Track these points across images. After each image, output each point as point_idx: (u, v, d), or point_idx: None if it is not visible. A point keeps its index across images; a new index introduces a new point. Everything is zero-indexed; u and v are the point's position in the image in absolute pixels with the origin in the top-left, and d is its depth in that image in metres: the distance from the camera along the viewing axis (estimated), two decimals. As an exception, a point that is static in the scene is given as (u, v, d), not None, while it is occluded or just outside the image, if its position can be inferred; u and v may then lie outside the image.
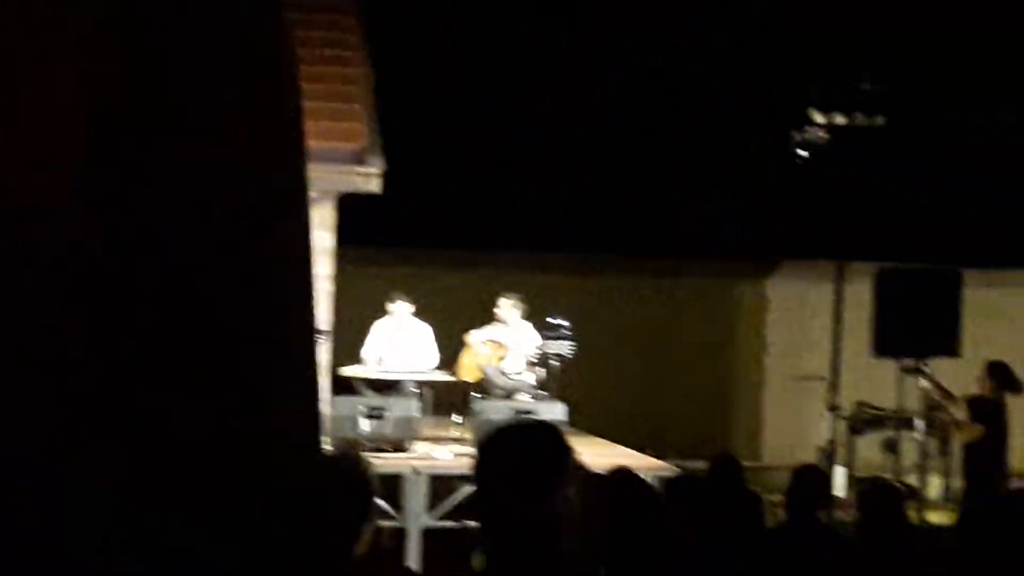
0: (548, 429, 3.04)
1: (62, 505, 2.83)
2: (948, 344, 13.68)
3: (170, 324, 2.94)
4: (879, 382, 15.31)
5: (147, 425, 2.92)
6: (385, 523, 11.41)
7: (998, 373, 12.74)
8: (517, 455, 2.91)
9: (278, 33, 3.03)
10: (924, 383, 13.47)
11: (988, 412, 12.60)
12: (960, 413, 13.12)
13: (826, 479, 7.85)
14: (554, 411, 12.82)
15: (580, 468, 3.20)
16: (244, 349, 3.02)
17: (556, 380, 14.34)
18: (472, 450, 3.01)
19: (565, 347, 14.28)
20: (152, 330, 2.92)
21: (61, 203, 2.43)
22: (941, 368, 13.76)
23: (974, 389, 13.42)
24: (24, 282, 2.76)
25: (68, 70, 2.40)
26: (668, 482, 7.23)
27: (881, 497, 6.90)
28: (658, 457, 13.23)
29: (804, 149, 15.33)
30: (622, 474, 6.60)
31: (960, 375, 14.00)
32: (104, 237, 2.81)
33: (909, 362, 13.61)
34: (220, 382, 2.94)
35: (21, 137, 2.30)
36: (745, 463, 12.24)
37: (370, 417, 12.44)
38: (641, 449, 13.90)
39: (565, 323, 14.46)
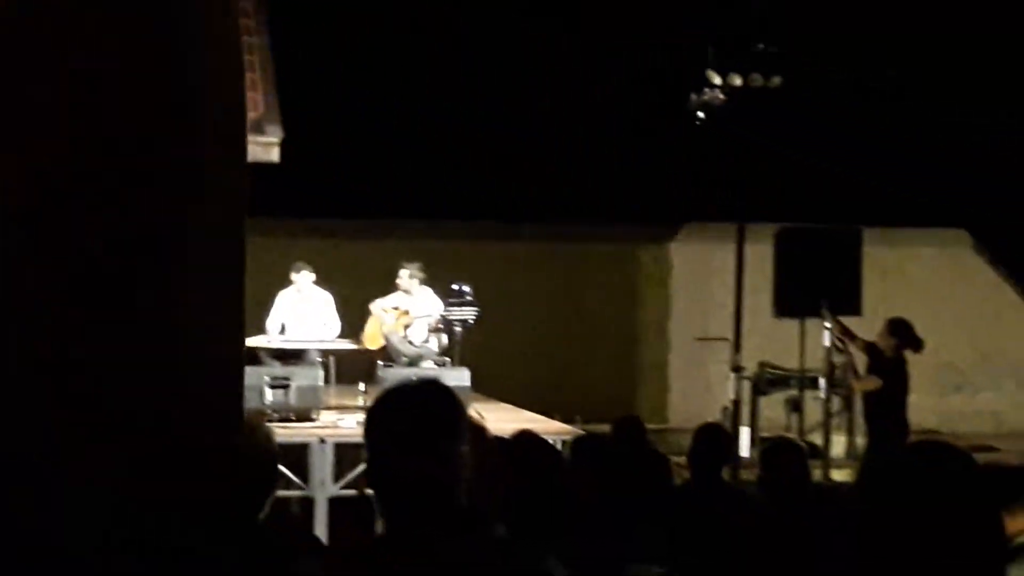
0: (439, 388, 3.03)
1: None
2: (849, 302, 13.83)
3: (163, 321, 2.94)
4: (782, 342, 15.46)
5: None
6: (292, 493, 11.38)
7: (898, 330, 12.87)
8: (408, 414, 2.91)
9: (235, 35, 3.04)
10: (826, 323, 13.60)
11: (888, 367, 12.74)
12: (860, 354, 13.25)
13: (729, 438, 7.91)
14: (458, 377, 12.82)
15: (477, 428, 3.19)
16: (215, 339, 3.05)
17: (460, 346, 14.36)
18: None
19: (468, 313, 14.29)
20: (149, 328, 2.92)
21: (59, 203, 2.40)
22: (844, 323, 13.90)
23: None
24: (24, 282, 2.74)
25: (64, 72, 2.37)
26: (572, 443, 7.26)
27: (783, 455, 6.95)
28: (564, 421, 13.27)
29: (702, 111, 15.40)
30: (526, 437, 6.63)
31: (861, 333, 14.16)
32: (104, 237, 2.79)
33: (819, 330, 13.76)
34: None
35: (19, 138, 2.28)
36: (651, 426, 12.36)
37: (274, 387, 12.37)
38: (547, 414, 13.94)
39: (468, 289, 14.48)
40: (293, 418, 12.34)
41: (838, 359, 13.78)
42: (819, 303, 13.59)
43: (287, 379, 12.54)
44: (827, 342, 13.77)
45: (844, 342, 13.42)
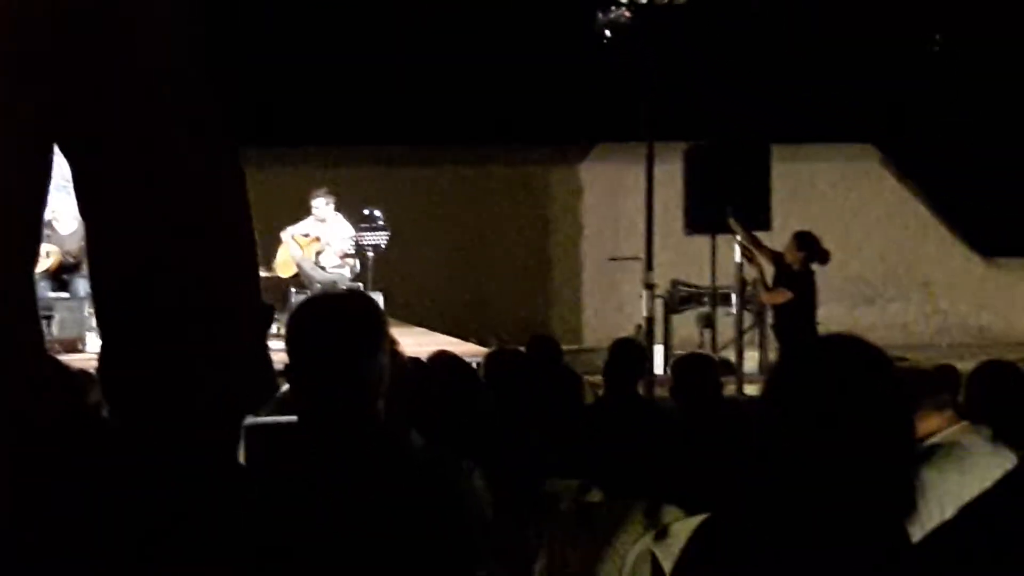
0: (359, 296, 3.10)
1: None
2: (759, 218, 13.98)
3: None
4: (694, 260, 15.63)
5: None
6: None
7: (805, 243, 13.06)
8: (328, 322, 2.97)
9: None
10: (735, 232, 13.74)
11: (797, 280, 12.93)
12: (768, 265, 13.42)
13: (642, 351, 8.03)
14: (373, 302, 12.83)
15: (393, 341, 3.27)
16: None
17: (372, 271, 14.38)
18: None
19: (380, 238, 14.31)
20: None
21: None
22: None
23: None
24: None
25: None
26: (487, 358, 7.34)
27: (694, 367, 7.08)
28: (479, 344, 13.36)
29: (608, 29, 15.41)
30: (443, 357, 6.71)
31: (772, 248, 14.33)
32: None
33: (730, 246, 13.90)
34: None
35: None
36: (566, 346, 12.45)
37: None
38: (462, 337, 14.03)
39: (379, 214, 14.48)
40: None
41: (749, 275, 13.95)
42: (727, 216, 13.73)
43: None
44: (738, 258, 13.94)
45: (752, 252, 13.58)
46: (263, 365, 3.26)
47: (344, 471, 2.84)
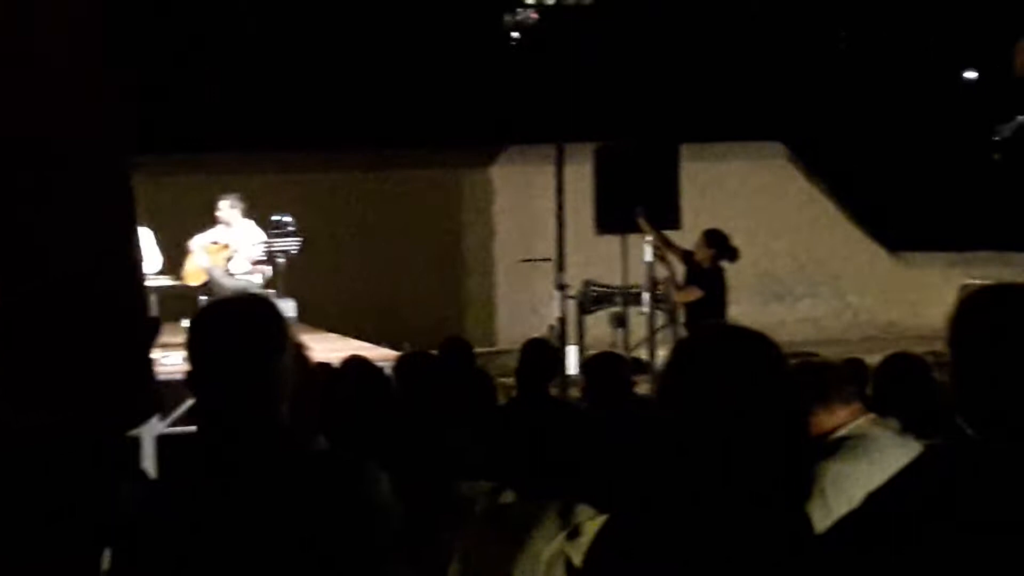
0: (259, 301, 3.08)
1: None
2: (669, 216, 14.05)
3: None
4: (605, 260, 15.66)
5: None
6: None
7: (714, 240, 13.14)
8: (229, 327, 2.95)
9: None
10: (645, 232, 13.80)
11: (707, 278, 13.01)
12: (678, 263, 13.50)
13: (553, 352, 8.04)
14: (284, 308, 12.76)
15: (297, 347, 3.24)
16: None
17: (283, 278, 14.31)
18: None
19: (291, 244, 14.23)
20: None
21: None
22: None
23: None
24: None
25: None
26: (397, 362, 7.33)
27: (605, 367, 7.10)
28: (392, 348, 13.33)
29: (516, 31, 15.40)
30: (355, 362, 6.70)
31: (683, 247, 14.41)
32: None
33: (641, 246, 13.94)
34: None
35: None
36: (479, 349, 12.47)
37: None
38: (375, 343, 13.99)
39: (289, 219, 14.41)
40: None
41: (660, 273, 14.01)
42: (637, 216, 13.79)
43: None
44: (649, 257, 13.99)
45: (662, 251, 13.65)
46: (146, 379, 3.25)
47: (247, 476, 2.83)
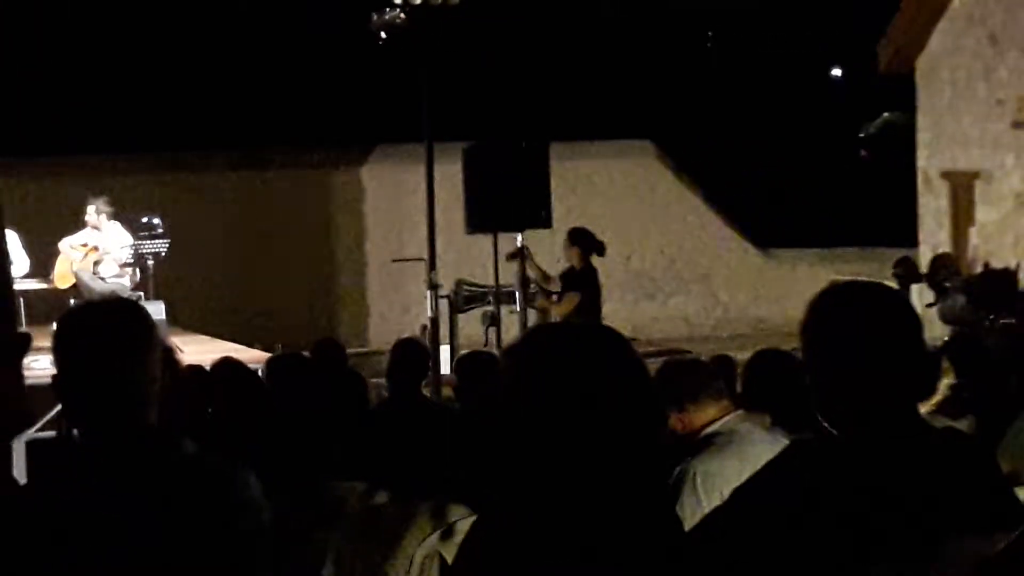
0: (125, 304, 3.06)
1: None
2: (540, 216, 14.09)
3: None
4: (477, 259, 15.70)
5: None
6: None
7: (580, 238, 13.23)
8: (95, 330, 2.92)
9: None
10: (528, 267, 13.86)
11: (580, 279, 13.08)
12: (556, 286, 13.58)
13: (425, 351, 8.02)
14: (154, 311, 12.59)
15: (167, 350, 3.21)
16: None
17: (152, 279, 14.18)
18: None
19: (160, 246, 14.11)
20: None
21: None
22: (535, 240, 14.18)
23: (563, 262, 13.91)
24: None
25: None
26: (268, 362, 7.29)
27: (477, 366, 7.12)
28: (265, 350, 13.26)
29: (384, 31, 15.36)
30: (226, 363, 6.66)
31: (556, 246, 14.49)
32: None
33: (512, 245, 13.96)
34: None
35: None
36: (351, 350, 12.43)
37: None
38: (247, 344, 13.91)
39: (158, 221, 14.28)
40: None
41: (532, 272, 14.05)
42: (511, 223, 13.84)
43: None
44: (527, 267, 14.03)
45: (543, 283, 13.72)
46: (15, 394, 3.21)
47: (114, 480, 2.80)
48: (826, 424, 2.96)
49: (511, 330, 14.74)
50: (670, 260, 19.97)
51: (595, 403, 2.42)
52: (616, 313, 14.71)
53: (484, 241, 14.89)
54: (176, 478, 2.84)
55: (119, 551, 2.75)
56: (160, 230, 14.16)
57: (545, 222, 14.11)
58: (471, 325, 15.68)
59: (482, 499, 4.40)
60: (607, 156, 19.98)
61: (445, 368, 13.87)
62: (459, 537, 4.81)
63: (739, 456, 4.79)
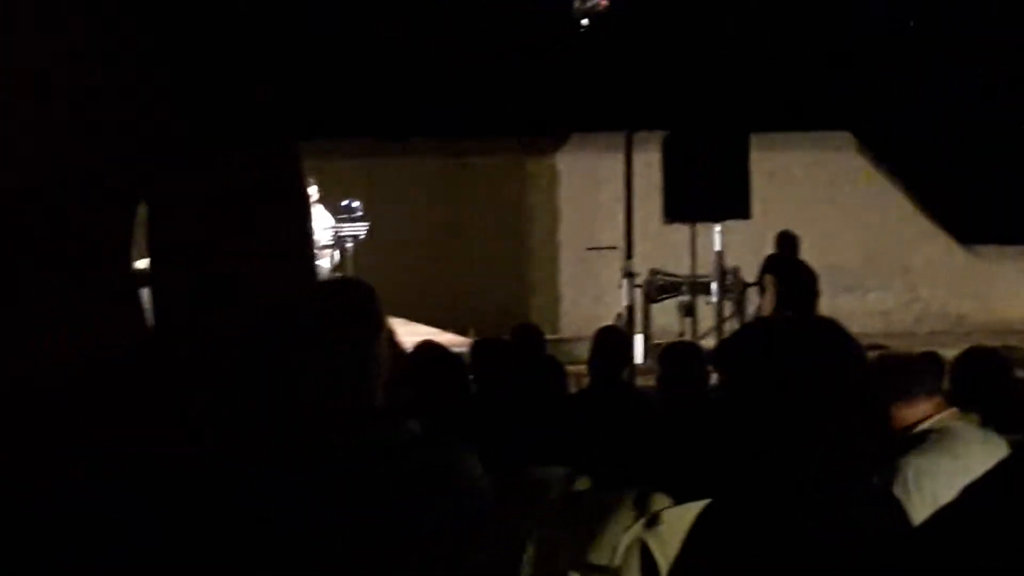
0: (357, 284, 3.11)
1: None
2: (738, 207, 14.03)
3: None
4: (672, 249, 15.65)
5: None
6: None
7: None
8: (326, 310, 2.96)
9: None
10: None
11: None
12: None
13: (627, 339, 8.05)
14: (353, 293, 12.82)
15: (389, 333, 3.26)
16: None
17: (351, 263, 14.38)
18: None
19: (359, 229, 14.31)
20: None
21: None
22: (734, 228, 14.11)
23: (767, 250, 13.83)
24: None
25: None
26: (473, 347, 7.35)
27: (682, 357, 7.11)
28: (458, 334, 13.37)
29: (586, 18, 15.38)
30: (429, 346, 6.73)
31: (749, 237, 14.38)
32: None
33: (709, 236, 13.93)
34: None
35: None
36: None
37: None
38: (440, 328, 14.03)
39: (357, 205, 14.48)
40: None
41: (730, 266, 14.00)
42: (709, 213, 13.81)
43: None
44: (718, 246, 13.98)
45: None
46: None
47: (347, 460, 2.85)
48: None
49: (706, 321, 14.69)
50: (869, 254, 19.67)
51: (831, 394, 2.42)
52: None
53: (680, 231, 14.85)
54: (404, 459, 2.88)
55: (346, 531, 2.79)
56: (360, 213, 14.37)
57: (743, 213, 14.04)
58: (664, 315, 15.66)
59: (695, 489, 4.39)
60: (805, 147, 19.74)
61: (639, 357, 13.86)
62: (665, 527, 4.81)
63: (952, 455, 4.72)
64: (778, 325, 2.64)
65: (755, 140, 14.73)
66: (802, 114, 19.02)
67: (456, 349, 8.97)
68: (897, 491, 4.73)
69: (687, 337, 14.04)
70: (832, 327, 2.57)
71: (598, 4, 15.30)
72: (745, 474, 2.47)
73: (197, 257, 2.80)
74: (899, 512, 2.54)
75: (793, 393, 2.42)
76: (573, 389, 8.26)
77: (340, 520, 2.79)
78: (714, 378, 9.76)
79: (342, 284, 3.15)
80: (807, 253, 13.77)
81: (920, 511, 2.87)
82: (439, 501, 2.87)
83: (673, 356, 7.04)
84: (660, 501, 5.33)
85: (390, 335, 3.26)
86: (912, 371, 5.12)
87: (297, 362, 2.94)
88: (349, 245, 14.38)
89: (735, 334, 2.66)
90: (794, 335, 2.55)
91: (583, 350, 7.69)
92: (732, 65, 18.18)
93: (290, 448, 2.91)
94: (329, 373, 2.90)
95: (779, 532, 2.40)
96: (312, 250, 2.44)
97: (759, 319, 3.02)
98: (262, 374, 2.93)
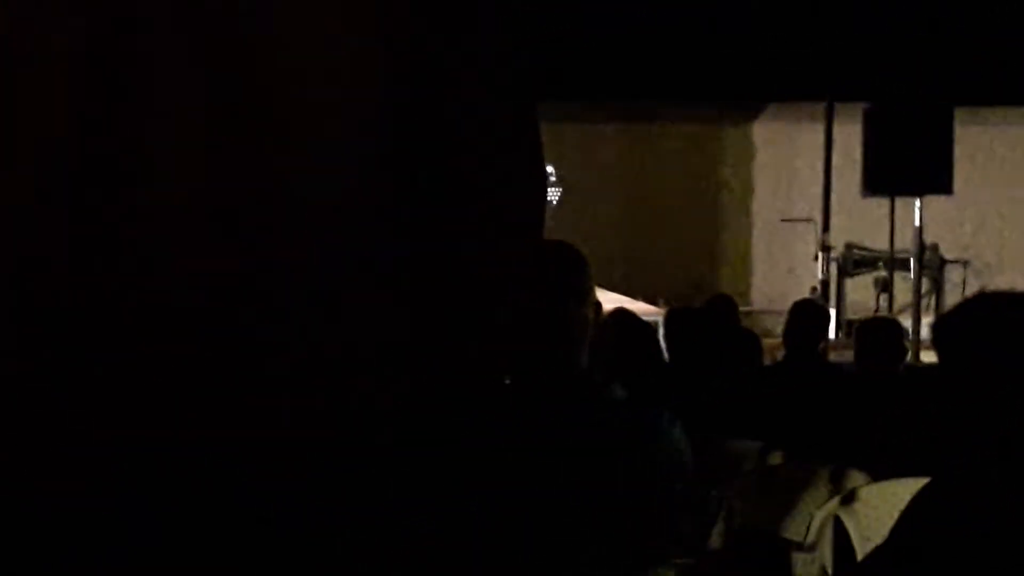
0: (570, 250, 3.14)
1: None
2: (941, 182, 13.80)
3: None
4: (868, 223, 15.45)
5: None
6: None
7: None
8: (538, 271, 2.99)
9: None
10: None
11: None
12: None
13: (825, 313, 7.98)
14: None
15: (597, 302, 3.28)
16: None
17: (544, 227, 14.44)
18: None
19: (552, 194, 14.37)
20: None
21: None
22: (933, 204, 13.89)
23: (967, 227, 13.59)
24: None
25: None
26: (667, 315, 7.35)
27: (881, 332, 7.04)
28: (647, 303, 13.37)
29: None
30: (623, 314, 6.76)
31: (950, 214, 14.14)
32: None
33: (910, 210, 13.72)
34: None
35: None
36: (735, 308, 12.39)
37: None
38: (630, 295, 14.04)
39: (550, 169, 14.54)
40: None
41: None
42: (910, 187, 13.61)
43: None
44: (917, 222, 13.77)
45: None
46: None
47: (559, 419, 2.89)
48: None
49: (903, 296, 14.49)
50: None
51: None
52: (1019, 285, 14.27)
53: (877, 205, 14.65)
54: (609, 420, 2.91)
55: (559, 493, 2.83)
56: (553, 179, 14.42)
57: (946, 188, 13.81)
58: (859, 290, 15.49)
59: (896, 468, 4.37)
60: (1012, 122, 19.33)
61: (831, 333, 13.74)
62: (861, 504, 4.78)
63: None
64: (1000, 301, 2.58)
65: (960, 113, 14.46)
66: (1009, 89, 18.63)
67: (647, 317, 8.99)
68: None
69: (883, 313, 13.87)
70: None
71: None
72: (967, 453, 2.44)
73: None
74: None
75: (1018, 371, 2.39)
76: (769, 362, 8.23)
77: (550, 478, 2.83)
78: (910, 355, 9.64)
79: (557, 250, 3.17)
80: (1007, 232, 13.53)
81: None
82: (646, 465, 2.90)
83: (871, 331, 6.96)
84: (856, 478, 5.30)
85: (596, 303, 3.29)
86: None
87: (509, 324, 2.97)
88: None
89: (954, 309, 2.63)
90: (1017, 311, 2.52)
91: (774, 323, 7.66)
92: (939, 37, 17.87)
93: (512, 405, 2.95)
94: (541, 335, 2.94)
95: (1005, 510, 2.37)
96: (542, 222, 2.20)
97: (980, 294, 2.97)
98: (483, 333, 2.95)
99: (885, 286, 14.80)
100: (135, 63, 1.79)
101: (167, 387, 1.70)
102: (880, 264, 14.97)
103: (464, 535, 1.82)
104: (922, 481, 2.63)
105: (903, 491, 3.71)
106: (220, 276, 1.75)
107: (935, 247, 14.15)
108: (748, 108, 19.41)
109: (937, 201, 13.87)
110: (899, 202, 14.23)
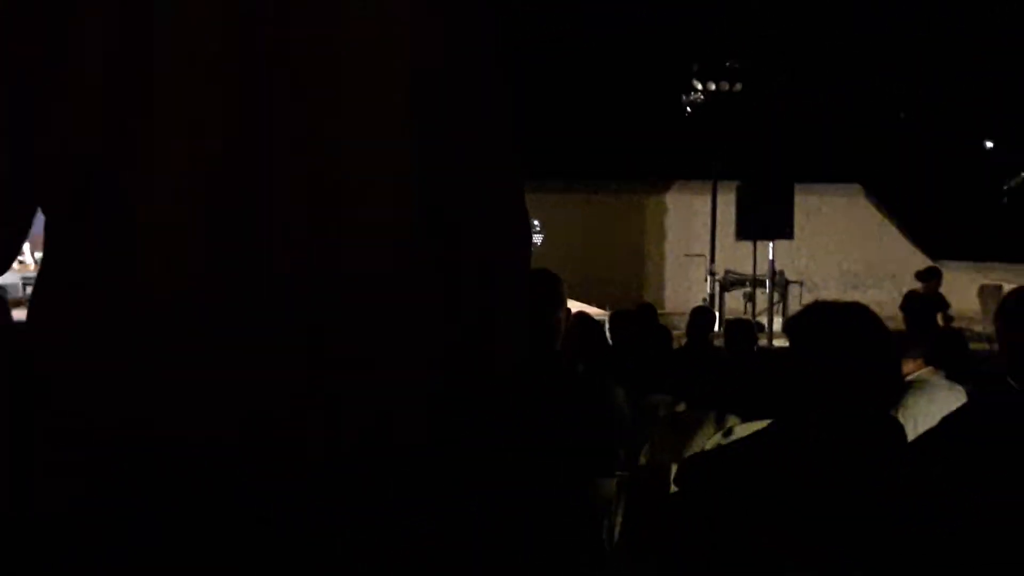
0: (546, 272, 3.18)
1: None
2: (785, 230, 13.78)
3: None
4: (741, 257, 15.48)
5: None
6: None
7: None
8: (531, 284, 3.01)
9: None
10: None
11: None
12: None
13: (712, 315, 8.02)
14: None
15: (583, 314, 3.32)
16: None
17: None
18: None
19: (536, 239, 14.31)
20: None
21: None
22: (781, 245, 13.79)
23: (803, 259, 13.50)
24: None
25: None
26: (612, 315, 7.37)
27: (740, 328, 7.07)
28: (599, 308, 13.32)
29: (689, 107, 15.37)
30: (581, 315, 6.77)
31: (792, 250, 14.00)
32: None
33: (766, 252, 13.67)
34: None
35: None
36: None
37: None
38: (588, 303, 13.99)
39: (536, 222, 14.48)
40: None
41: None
42: (766, 232, 13.63)
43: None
44: (770, 256, 13.77)
45: None
46: None
47: (538, 385, 2.91)
48: (1016, 384, 2.84)
49: (762, 304, 14.51)
50: (869, 262, 19.06)
51: (853, 352, 2.40)
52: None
53: (744, 246, 14.70)
54: (575, 387, 2.93)
55: (537, 430, 2.85)
56: (537, 228, 14.39)
57: (789, 234, 13.88)
58: (733, 301, 15.50)
59: (758, 413, 4.37)
60: (832, 192, 19.27)
61: (716, 328, 13.74)
62: (735, 437, 4.80)
63: (929, 398, 4.67)
64: (827, 307, 2.60)
65: (798, 187, 14.51)
66: (830, 170, 18.60)
67: (598, 318, 9.01)
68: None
69: (748, 315, 13.89)
70: (863, 310, 2.53)
71: (698, 98, 15.24)
72: (797, 403, 2.46)
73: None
74: (900, 431, 2.52)
75: (834, 352, 2.42)
76: (676, 346, 8.24)
77: (536, 425, 2.84)
78: (761, 342, 9.60)
79: (541, 273, 3.22)
80: (828, 263, 13.50)
81: (908, 433, 2.86)
82: (598, 413, 2.93)
83: (735, 327, 7.00)
84: (732, 420, 5.29)
85: (568, 310, 3.32)
86: (903, 342, 5.06)
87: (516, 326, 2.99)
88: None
89: (799, 312, 2.64)
90: (837, 314, 2.53)
91: (681, 321, 7.66)
92: (784, 137, 17.88)
93: (529, 378, 2.93)
94: (533, 332, 2.96)
95: (819, 444, 2.39)
96: (529, 261, 1.54)
97: (816, 303, 3.00)
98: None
99: (751, 298, 14.81)
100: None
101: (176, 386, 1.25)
102: (747, 283, 14.99)
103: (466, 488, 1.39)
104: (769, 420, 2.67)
105: (760, 427, 3.75)
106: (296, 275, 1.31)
107: (782, 272, 14.16)
108: (661, 184, 19.42)
109: (783, 243, 13.90)
110: (759, 244, 14.26)
